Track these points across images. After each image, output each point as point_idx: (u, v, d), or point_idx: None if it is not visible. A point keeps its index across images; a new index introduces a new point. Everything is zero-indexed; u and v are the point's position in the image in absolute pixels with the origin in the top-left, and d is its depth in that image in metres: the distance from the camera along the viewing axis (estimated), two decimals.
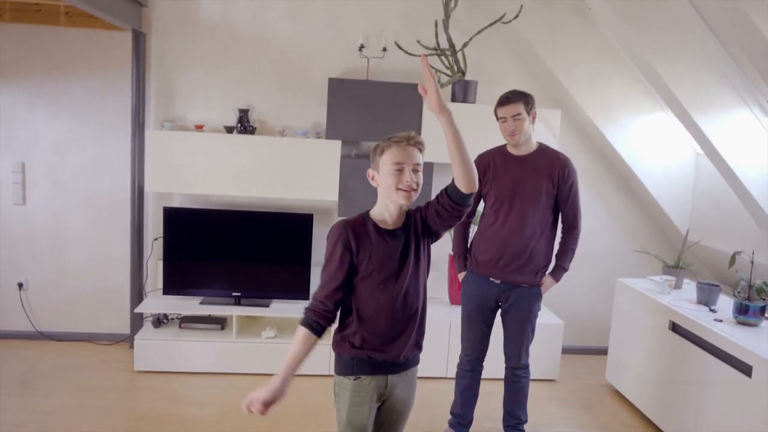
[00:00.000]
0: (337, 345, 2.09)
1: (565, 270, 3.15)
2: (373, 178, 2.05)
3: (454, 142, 1.91)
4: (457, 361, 3.34)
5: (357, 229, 2.00)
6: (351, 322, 2.05)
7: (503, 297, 3.11)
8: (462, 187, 1.96)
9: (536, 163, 3.02)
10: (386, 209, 2.04)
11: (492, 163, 3.11)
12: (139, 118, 4.17)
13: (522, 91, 3.01)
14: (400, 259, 2.02)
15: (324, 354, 4.06)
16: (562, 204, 3.08)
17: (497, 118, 3.05)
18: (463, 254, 3.26)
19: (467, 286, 3.21)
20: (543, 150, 3.09)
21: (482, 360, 3.28)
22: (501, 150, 3.14)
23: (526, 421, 3.31)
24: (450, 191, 1.99)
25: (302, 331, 1.99)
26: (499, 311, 3.19)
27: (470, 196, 1.98)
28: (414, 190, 1.97)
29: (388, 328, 2.02)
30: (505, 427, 3.32)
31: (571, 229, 3.14)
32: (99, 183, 4.34)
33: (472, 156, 1.98)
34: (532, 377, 4.17)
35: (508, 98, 2.98)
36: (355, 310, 2.04)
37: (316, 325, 1.99)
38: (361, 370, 2.05)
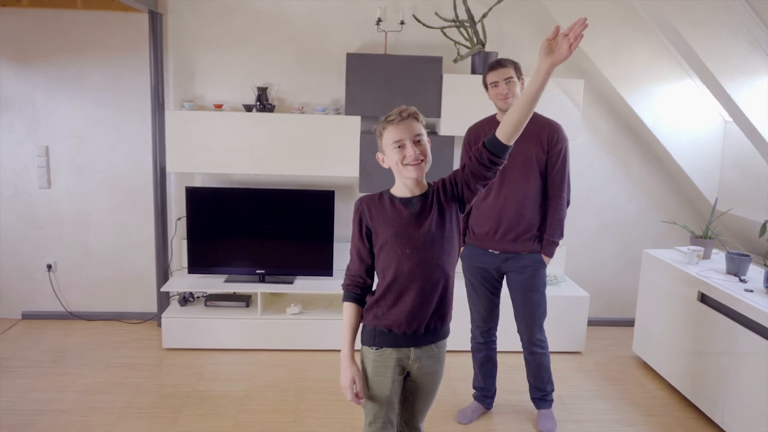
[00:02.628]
0: (363, 315, 2.11)
1: (556, 244, 3.06)
2: (383, 161, 2.06)
3: (537, 93, 1.89)
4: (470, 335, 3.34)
5: (372, 203, 2.06)
6: (376, 292, 2.08)
7: (505, 267, 3.09)
8: (508, 138, 1.94)
9: (526, 129, 2.90)
10: (403, 184, 2.05)
11: (482, 134, 3.05)
12: (159, 99, 4.18)
13: (510, 59, 3.02)
14: (415, 225, 2.00)
15: None
16: (550, 170, 3.01)
17: (487, 87, 3.02)
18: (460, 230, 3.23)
19: (468, 260, 3.18)
20: (533, 117, 2.99)
21: (494, 330, 3.26)
22: (490, 120, 3.11)
23: (552, 390, 3.30)
24: (489, 143, 1.96)
25: (347, 306, 2.10)
26: (505, 283, 3.18)
27: (509, 148, 1.96)
28: (421, 161, 1.98)
29: (406, 297, 2.01)
30: (533, 399, 3.32)
31: (556, 198, 3.03)
32: (121, 165, 4.38)
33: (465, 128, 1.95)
34: (557, 350, 4.21)
35: (500, 62, 2.97)
36: (379, 280, 2.07)
37: (356, 295, 2.10)
38: (381, 342, 2.06)
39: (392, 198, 2.05)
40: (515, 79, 2.94)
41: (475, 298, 3.22)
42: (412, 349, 2.07)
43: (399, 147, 1.97)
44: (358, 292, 2.10)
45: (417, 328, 2.04)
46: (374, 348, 2.07)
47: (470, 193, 2.04)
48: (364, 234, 2.07)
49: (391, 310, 2.03)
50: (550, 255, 3.06)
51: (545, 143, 2.97)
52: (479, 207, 3.11)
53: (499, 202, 3.01)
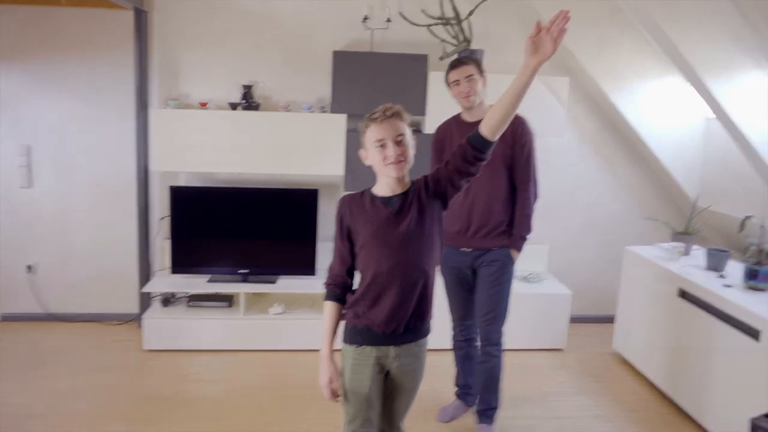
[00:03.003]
0: (345, 313, 2.11)
1: (524, 239, 3.01)
2: (365, 158, 2.05)
3: (523, 90, 1.88)
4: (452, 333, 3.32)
5: (354, 202, 2.06)
6: (357, 291, 2.08)
7: (477, 263, 3.06)
8: (492, 133, 1.93)
9: None
10: (385, 183, 2.04)
11: (449, 133, 3.06)
12: (143, 97, 4.14)
13: (474, 57, 2.98)
14: (393, 224, 1.99)
15: None
16: (516, 165, 2.95)
17: (449, 85, 2.98)
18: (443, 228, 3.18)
19: (442, 260, 3.11)
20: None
21: (474, 328, 3.24)
22: (457, 119, 3.08)
23: (497, 408, 3.17)
24: (473, 139, 1.95)
25: (328, 305, 2.10)
26: None
27: (493, 144, 1.96)
28: (402, 161, 1.97)
29: (385, 297, 2.01)
30: (477, 410, 3.21)
31: (522, 193, 2.98)
32: (104, 164, 4.33)
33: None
34: (539, 347, 4.22)
35: (460, 60, 2.94)
36: (360, 278, 2.06)
37: (336, 295, 2.10)
38: (361, 340, 2.06)
39: (373, 197, 2.04)
40: (476, 76, 2.90)
41: (452, 298, 3.23)
42: (391, 347, 2.06)
43: (381, 146, 1.96)
44: (338, 291, 2.11)
45: (396, 327, 2.04)
46: (354, 346, 2.06)
47: (453, 190, 2.04)
48: (345, 234, 2.06)
49: (371, 310, 2.03)
50: (519, 249, 3.03)
51: (509, 138, 2.89)
52: (450, 207, 3.09)
53: (468, 200, 2.99)
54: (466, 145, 1.97)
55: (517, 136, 2.91)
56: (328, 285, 2.12)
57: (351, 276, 2.12)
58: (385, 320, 2.02)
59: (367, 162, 2.04)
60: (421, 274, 2.03)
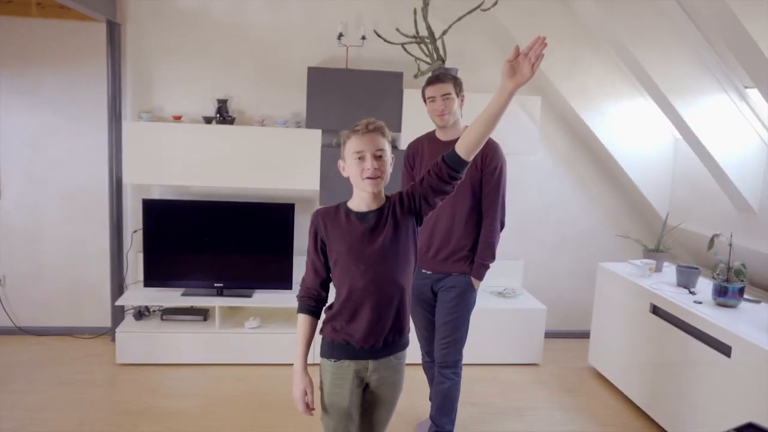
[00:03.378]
0: (322, 327, 2.11)
1: (485, 267, 2.91)
2: (343, 169, 2.06)
3: (499, 113, 1.89)
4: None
5: (328, 216, 2.06)
6: (333, 304, 2.08)
7: (437, 286, 2.99)
8: (467, 153, 1.95)
9: None
10: (360, 197, 2.04)
11: (420, 149, 3.00)
12: (116, 110, 4.11)
13: (451, 73, 2.86)
14: (369, 240, 2.00)
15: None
16: (484, 189, 2.86)
17: (425, 100, 2.90)
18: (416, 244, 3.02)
19: None
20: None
21: None
22: (430, 136, 3.02)
23: None
24: (449, 158, 1.97)
25: (301, 318, 2.10)
26: None
27: (468, 164, 1.98)
28: (378, 176, 1.98)
29: (362, 312, 2.02)
30: None
31: (488, 219, 2.89)
32: (75, 176, 4.28)
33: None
34: (515, 362, 4.26)
35: (438, 77, 2.85)
36: (336, 293, 2.07)
37: (310, 308, 2.10)
38: (339, 354, 2.06)
39: (348, 212, 2.05)
40: (453, 95, 2.82)
41: (415, 319, 3.14)
42: (370, 361, 2.07)
43: (359, 158, 1.97)
44: (312, 304, 2.11)
45: (375, 342, 2.04)
46: (332, 360, 2.07)
47: (428, 207, 2.05)
48: (319, 247, 2.07)
49: (348, 325, 2.04)
50: (480, 278, 2.93)
51: (479, 161, 2.82)
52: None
53: (431, 222, 2.91)
54: (441, 164, 1.99)
55: (488, 160, 2.84)
56: (301, 298, 2.12)
57: (325, 289, 2.12)
58: (364, 335, 2.03)
59: (345, 173, 2.06)
60: (397, 290, 2.04)
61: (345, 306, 2.03)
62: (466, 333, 3.00)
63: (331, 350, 2.08)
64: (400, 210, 2.04)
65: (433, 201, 2.05)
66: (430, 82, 2.87)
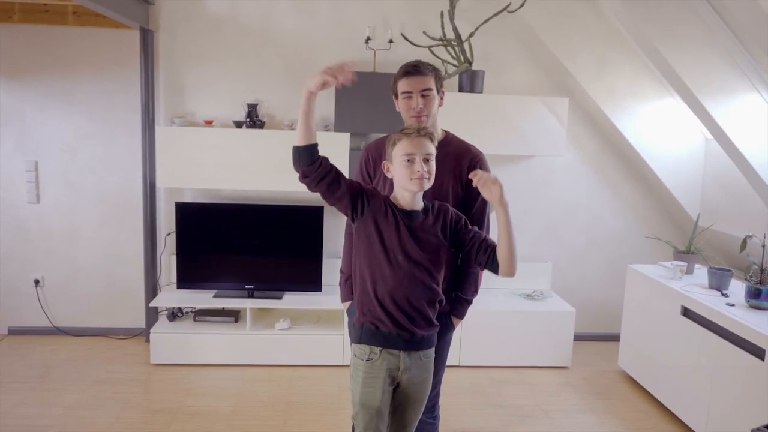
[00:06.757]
0: (351, 312, 2.18)
1: (468, 302, 2.44)
2: (388, 170, 2.12)
3: (508, 234, 2.04)
4: None
5: (379, 201, 2.10)
6: (360, 286, 2.13)
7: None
8: (502, 273, 2.09)
9: (441, 156, 2.21)
10: (402, 197, 2.10)
11: (385, 154, 2.19)
12: (149, 115, 4.21)
13: (431, 64, 2.37)
14: (408, 237, 2.06)
15: (336, 344, 4.11)
16: (469, 208, 2.37)
17: (397, 95, 2.38)
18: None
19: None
20: (450, 140, 2.43)
21: None
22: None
23: None
24: (489, 262, 2.10)
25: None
26: None
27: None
28: (426, 178, 2.04)
29: (395, 299, 2.07)
30: None
31: None
32: (110, 180, 4.39)
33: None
34: (544, 364, 4.24)
35: (417, 67, 2.31)
36: (370, 281, 2.09)
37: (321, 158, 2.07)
38: (368, 340, 2.11)
39: (392, 206, 2.10)
40: (434, 92, 2.32)
41: None
42: (402, 358, 2.10)
43: (408, 161, 2.03)
44: (323, 160, 2.08)
45: (408, 332, 2.09)
46: (365, 359, 2.10)
47: (461, 253, 2.20)
48: (364, 193, 2.09)
49: (381, 309, 2.08)
50: (461, 316, 2.44)
51: (464, 176, 2.34)
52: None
53: None
54: (482, 256, 2.10)
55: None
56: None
57: (336, 177, 2.06)
58: (398, 323, 2.08)
59: (389, 174, 2.11)
60: (429, 290, 2.11)
61: (375, 297, 2.08)
62: (441, 377, 2.54)
63: (359, 336, 2.13)
64: (443, 228, 2.12)
65: (458, 252, 2.21)
66: (407, 72, 2.32)
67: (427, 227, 2.10)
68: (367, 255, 2.09)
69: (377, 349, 2.09)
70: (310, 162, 2.04)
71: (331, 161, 2.07)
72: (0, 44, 4.18)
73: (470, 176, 2.04)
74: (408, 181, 2.04)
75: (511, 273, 2.07)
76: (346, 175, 2.10)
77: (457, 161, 2.36)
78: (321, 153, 2.06)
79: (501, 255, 2.05)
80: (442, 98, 2.39)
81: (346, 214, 2.12)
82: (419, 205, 2.11)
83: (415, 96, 2.30)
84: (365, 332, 2.11)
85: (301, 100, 2.08)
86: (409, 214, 2.09)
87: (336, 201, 2.08)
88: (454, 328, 2.46)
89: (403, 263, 2.06)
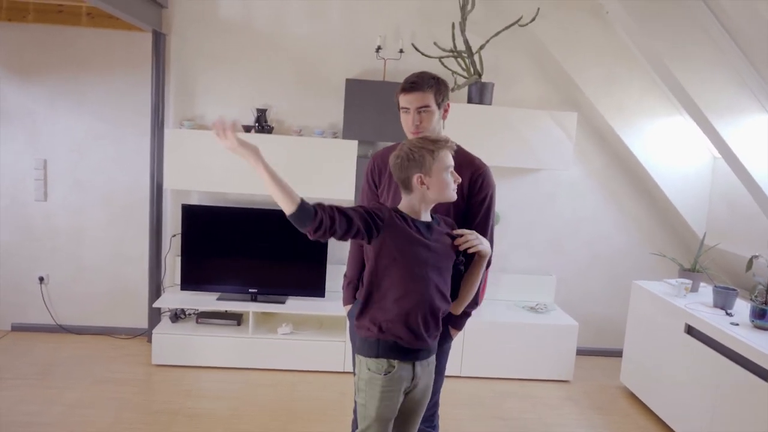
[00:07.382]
0: (361, 327, 2.13)
1: (467, 315, 2.41)
2: (422, 183, 2.05)
3: (477, 276, 2.26)
4: None
5: (396, 213, 2.09)
6: (378, 302, 2.10)
7: None
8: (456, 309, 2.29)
9: None
10: (416, 208, 2.10)
11: (388, 166, 2.27)
12: (159, 117, 4.23)
13: (434, 76, 2.35)
14: (424, 246, 2.07)
15: (336, 351, 4.11)
16: (470, 221, 2.35)
17: (398, 108, 2.40)
18: (355, 282, 2.58)
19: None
20: (455, 152, 2.30)
21: None
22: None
23: None
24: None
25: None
26: None
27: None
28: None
29: (420, 312, 2.08)
30: None
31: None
32: (118, 180, 4.41)
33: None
34: (546, 378, 4.23)
35: (415, 84, 2.31)
36: (395, 297, 2.07)
37: (314, 207, 2.05)
38: (387, 354, 2.08)
39: (407, 217, 2.09)
40: (433, 108, 2.31)
41: None
42: (416, 368, 2.12)
43: (451, 172, 2.09)
44: (318, 209, 2.07)
45: (423, 343, 2.11)
46: (382, 374, 2.07)
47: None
48: (374, 205, 2.13)
49: (395, 325, 2.07)
50: (459, 327, 2.45)
51: (465, 188, 2.33)
52: None
53: None
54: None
55: (477, 187, 2.35)
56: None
57: (336, 221, 2.03)
58: (415, 336, 2.09)
59: (423, 186, 2.05)
60: (444, 298, 2.15)
61: (393, 306, 2.07)
62: (440, 387, 2.54)
63: (376, 350, 2.09)
64: (451, 240, 2.17)
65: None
66: (405, 89, 2.34)
67: (439, 236, 2.12)
68: (392, 272, 2.06)
69: (395, 362, 2.09)
70: (311, 218, 2.02)
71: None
72: (14, 43, 4.22)
73: (455, 243, 2.14)
74: (451, 192, 2.10)
75: (456, 309, 2.26)
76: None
77: (460, 172, 2.27)
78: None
79: (462, 285, 2.22)
80: (446, 111, 2.39)
81: (364, 242, 2.08)
82: (428, 216, 2.14)
83: (412, 112, 2.33)
84: (383, 347, 2.09)
85: (258, 172, 2.12)
86: (427, 225, 2.11)
87: (354, 236, 2.02)
88: (452, 339, 2.47)
89: (428, 275, 2.07)
